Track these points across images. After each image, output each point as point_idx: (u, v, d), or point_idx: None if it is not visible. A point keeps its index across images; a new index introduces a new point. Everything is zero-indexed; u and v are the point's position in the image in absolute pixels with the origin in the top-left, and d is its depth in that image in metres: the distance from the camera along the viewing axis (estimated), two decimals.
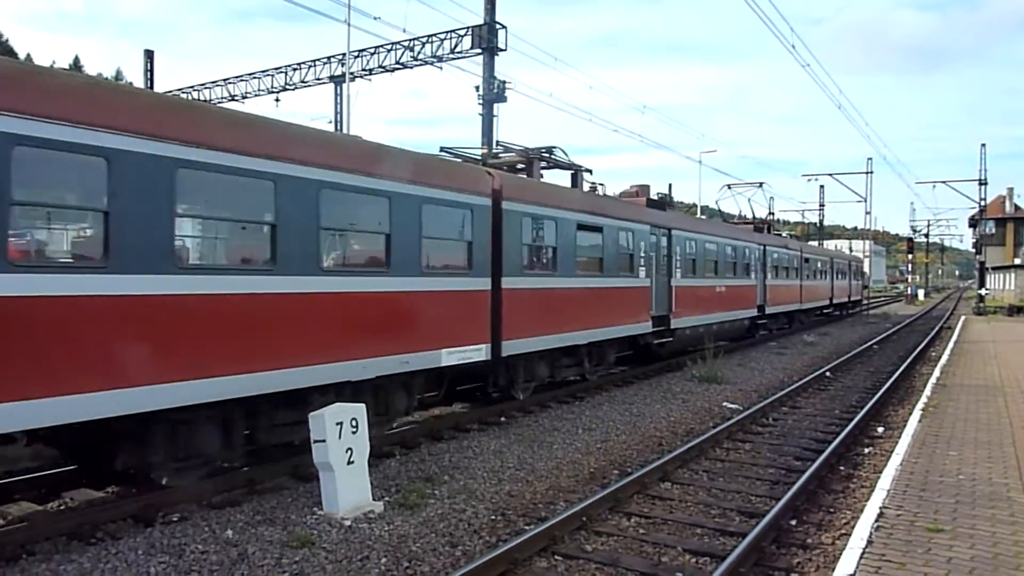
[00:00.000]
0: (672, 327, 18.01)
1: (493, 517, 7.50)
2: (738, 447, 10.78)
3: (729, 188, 31.96)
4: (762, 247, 26.31)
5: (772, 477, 9.17)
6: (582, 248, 14.08)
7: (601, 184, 17.01)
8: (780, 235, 38.39)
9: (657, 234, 17.59)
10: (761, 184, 31.91)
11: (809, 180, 57.52)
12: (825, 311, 39.53)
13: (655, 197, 19.81)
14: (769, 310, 26.81)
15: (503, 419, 12.22)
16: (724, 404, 14.04)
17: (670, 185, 30.19)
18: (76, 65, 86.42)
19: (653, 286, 17.03)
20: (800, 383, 16.10)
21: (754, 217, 31.61)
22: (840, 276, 41.33)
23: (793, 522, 7.47)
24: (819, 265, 36.01)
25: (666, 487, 8.70)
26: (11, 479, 7.86)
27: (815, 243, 55.28)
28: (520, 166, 14.94)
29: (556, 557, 6.52)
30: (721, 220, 30.60)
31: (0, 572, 5.84)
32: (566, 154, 15.52)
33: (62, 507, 7.52)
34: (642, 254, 16.50)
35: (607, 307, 14.87)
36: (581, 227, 13.94)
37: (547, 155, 15.22)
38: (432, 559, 6.37)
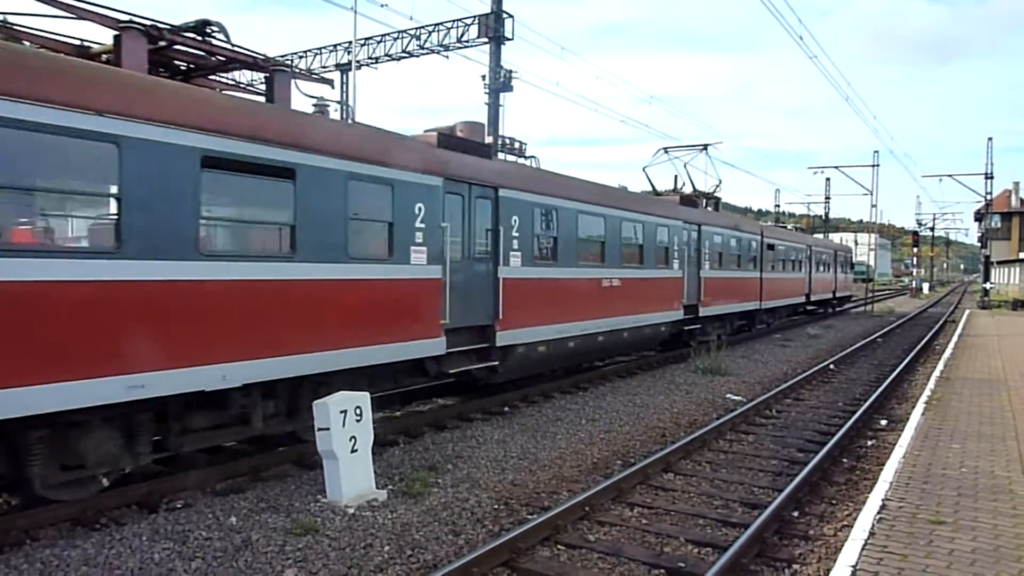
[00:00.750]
0: (500, 343, 11.69)
1: (496, 506, 7.52)
2: (741, 438, 10.78)
3: (666, 152, 24.45)
4: (695, 227, 19.89)
5: (775, 469, 9.17)
6: (233, 210, 8.14)
7: (345, 105, 10.20)
8: (784, 226, 37.15)
9: (464, 195, 11.07)
10: (706, 147, 24.65)
11: (815, 172, 57.05)
12: (807, 309, 34.49)
13: (488, 142, 12.58)
14: (707, 311, 20.25)
15: (506, 409, 12.24)
16: (727, 396, 14.03)
17: (676, 176, 26.98)
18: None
19: (447, 279, 10.48)
20: (804, 375, 16.08)
21: (694, 189, 23.69)
22: (821, 268, 35.14)
23: (795, 513, 7.48)
24: (789, 254, 29.15)
25: (669, 478, 8.71)
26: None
27: (820, 235, 54.98)
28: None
29: (559, 547, 6.53)
30: (653, 192, 23.80)
31: (4, 558, 5.88)
32: (225, 33, 8.69)
33: None
34: (419, 225, 9.99)
35: (314, 319, 8.44)
36: (220, 165, 7.44)
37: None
38: (435, 547, 6.39)
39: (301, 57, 32.45)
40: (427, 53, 27.91)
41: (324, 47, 31.80)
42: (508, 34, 24.73)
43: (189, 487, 7.69)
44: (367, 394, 7.79)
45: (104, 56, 7.84)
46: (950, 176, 51.09)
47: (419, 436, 10.26)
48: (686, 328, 19.23)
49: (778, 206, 67.34)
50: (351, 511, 7.06)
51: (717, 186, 25.13)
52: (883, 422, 11.95)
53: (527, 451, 9.56)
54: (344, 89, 31.26)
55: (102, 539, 6.24)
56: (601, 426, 11.14)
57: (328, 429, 7.21)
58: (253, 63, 9.11)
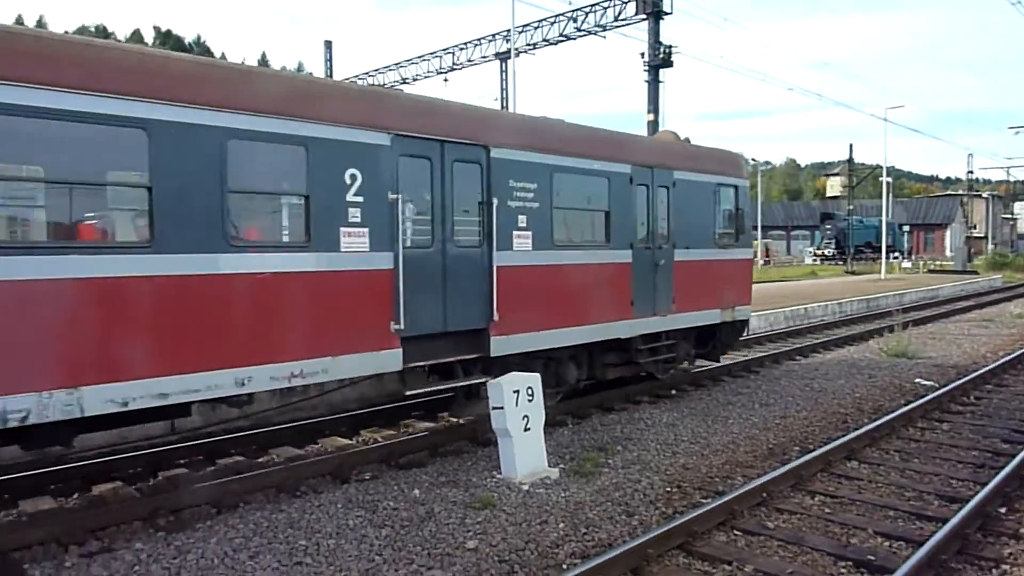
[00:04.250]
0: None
1: (668, 489, 7.45)
2: (934, 427, 9.98)
3: None
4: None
5: (975, 460, 8.42)
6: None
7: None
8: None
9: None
10: None
11: (1016, 133, 51.41)
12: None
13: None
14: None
15: (674, 392, 12.05)
16: (917, 380, 13.01)
17: (851, 146, 25.43)
18: (264, 61, 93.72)
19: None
20: (1007, 359, 14.58)
21: None
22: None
23: (1003, 510, 6.84)
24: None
25: (852, 466, 8.24)
26: (226, 436, 8.79)
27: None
28: None
29: (735, 532, 6.38)
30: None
31: (223, 517, 6.57)
32: None
33: (269, 463, 8.31)
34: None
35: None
36: None
37: None
38: (609, 527, 6.44)
39: (462, 49, 33.41)
40: (584, 35, 27.82)
41: (483, 37, 32.52)
42: (667, 8, 24.15)
43: (374, 460, 8.22)
44: (538, 375, 7.96)
45: None
46: None
47: (587, 417, 10.34)
48: None
49: (971, 172, 61.32)
50: (525, 487, 7.26)
51: None
52: None
53: (698, 435, 9.38)
54: (504, 78, 31.83)
55: (303, 505, 6.83)
56: (776, 411, 10.71)
57: (502, 408, 7.45)
58: None
